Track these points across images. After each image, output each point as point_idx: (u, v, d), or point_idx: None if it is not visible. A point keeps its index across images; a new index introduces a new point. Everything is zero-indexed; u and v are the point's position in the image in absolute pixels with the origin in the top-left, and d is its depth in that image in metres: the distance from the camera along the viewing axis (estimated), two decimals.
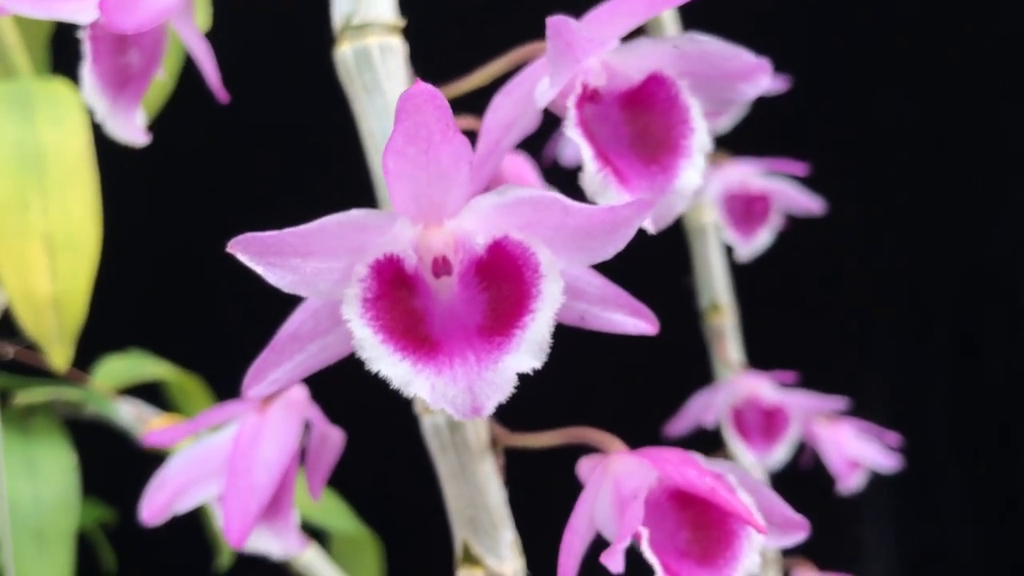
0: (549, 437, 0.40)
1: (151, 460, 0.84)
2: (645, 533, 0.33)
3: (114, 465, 0.97)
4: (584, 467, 0.38)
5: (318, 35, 0.49)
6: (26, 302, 0.71)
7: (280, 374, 0.33)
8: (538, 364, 0.30)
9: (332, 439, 0.48)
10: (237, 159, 1.18)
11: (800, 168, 0.80)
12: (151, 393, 0.97)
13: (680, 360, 0.94)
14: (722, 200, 0.80)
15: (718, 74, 0.38)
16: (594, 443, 0.38)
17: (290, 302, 0.40)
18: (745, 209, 0.80)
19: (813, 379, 0.91)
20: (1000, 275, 1.30)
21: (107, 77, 0.44)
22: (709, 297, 0.89)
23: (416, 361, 0.30)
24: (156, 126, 0.53)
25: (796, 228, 0.88)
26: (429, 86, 0.28)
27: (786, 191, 0.82)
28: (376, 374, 0.30)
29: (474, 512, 0.43)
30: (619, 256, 0.37)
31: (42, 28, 0.89)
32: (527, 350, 0.30)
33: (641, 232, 0.39)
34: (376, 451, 0.92)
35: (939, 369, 1.30)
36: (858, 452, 0.90)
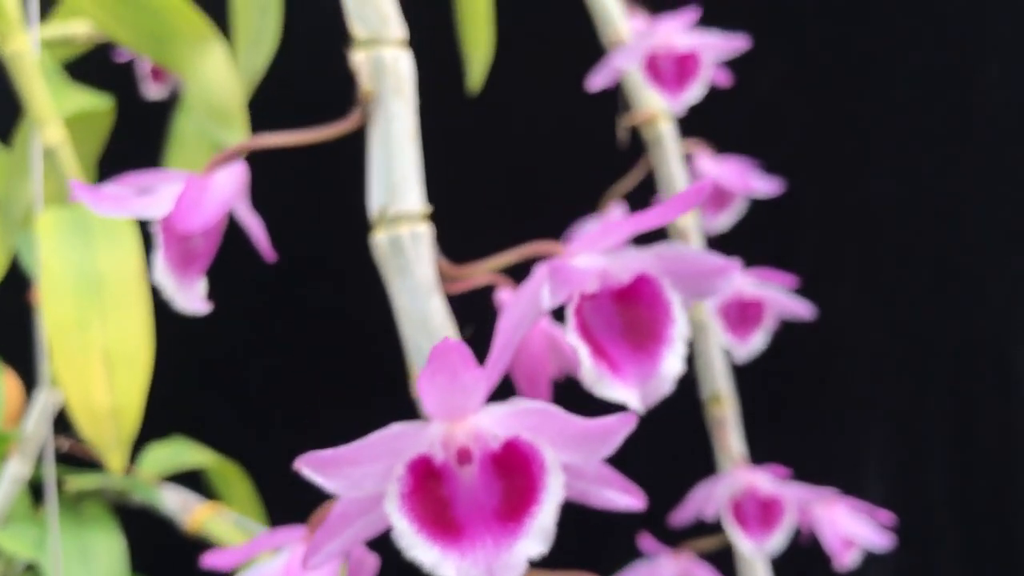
0: None
1: (195, 545, 0.91)
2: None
3: (160, 547, 1.04)
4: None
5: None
6: (86, 413, 0.79)
7: (333, 547, 0.40)
8: (544, 549, 0.37)
9: (368, 564, 0.55)
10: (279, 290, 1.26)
11: (791, 280, 0.87)
12: (193, 479, 1.04)
13: (685, 448, 1.01)
14: (720, 306, 0.87)
15: (694, 272, 0.45)
16: None
17: (327, 396, 0.46)
18: (740, 314, 0.87)
19: (813, 463, 0.97)
20: (995, 342, 1.36)
21: (175, 261, 0.52)
22: (710, 388, 0.96)
23: (445, 547, 0.37)
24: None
25: (793, 323, 0.95)
26: (455, 342, 0.35)
27: (778, 298, 0.89)
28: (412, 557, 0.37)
29: None
30: None
31: (92, 150, 0.97)
32: (536, 536, 0.37)
33: None
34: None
35: (936, 445, 1.36)
36: (852, 531, 0.96)
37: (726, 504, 0.87)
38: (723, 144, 1.04)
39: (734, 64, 0.94)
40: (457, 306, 0.53)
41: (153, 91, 1.19)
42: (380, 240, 0.51)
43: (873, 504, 0.97)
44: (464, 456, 0.39)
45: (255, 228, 0.57)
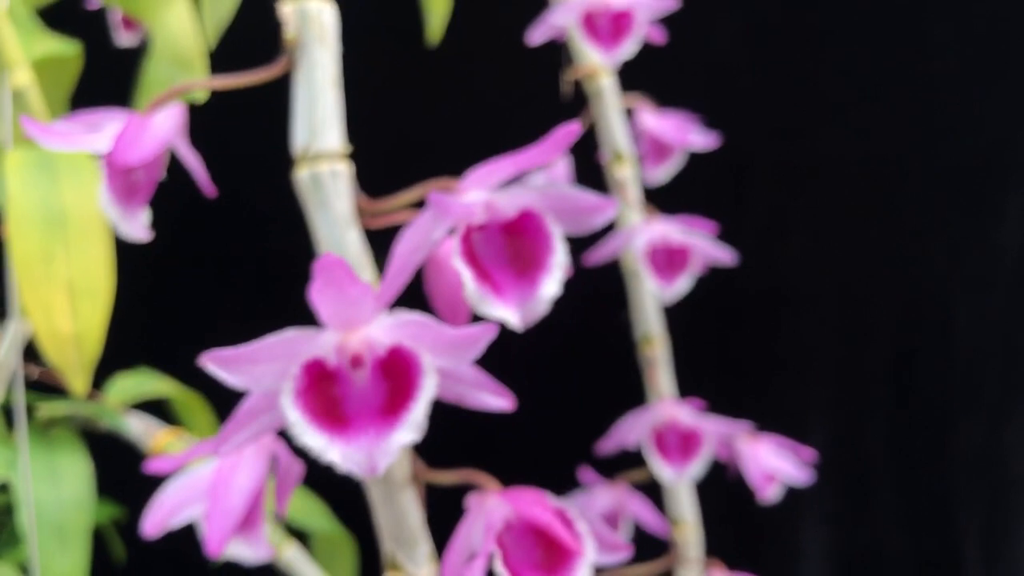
0: (450, 476, 0.53)
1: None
2: (498, 552, 0.46)
3: (124, 470, 1.10)
4: (470, 501, 0.51)
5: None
6: (51, 339, 0.85)
7: (241, 437, 0.46)
8: (417, 438, 0.43)
9: (294, 469, 0.62)
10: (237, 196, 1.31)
11: (710, 227, 0.93)
12: (157, 407, 1.10)
13: (619, 386, 1.07)
14: (647, 252, 0.93)
15: (574, 209, 0.51)
16: (478, 483, 0.51)
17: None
18: (667, 260, 0.93)
19: (760, 401, 1.03)
20: (935, 300, 1.42)
21: (118, 192, 0.57)
22: (643, 330, 1.02)
23: (332, 436, 0.43)
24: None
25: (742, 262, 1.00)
26: (336, 258, 0.41)
27: (703, 245, 0.94)
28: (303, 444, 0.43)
29: (398, 531, 0.56)
30: (568, 296, 0.51)
31: (62, 93, 1.02)
32: (409, 428, 0.43)
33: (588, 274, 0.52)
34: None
35: (878, 389, 1.42)
36: (774, 466, 1.03)
37: (648, 435, 0.93)
38: (670, 100, 1.09)
39: (686, 21, 0.98)
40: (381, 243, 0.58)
41: (124, 39, 1.23)
42: (302, 176, 0.56)
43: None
44: (357, 361, 0.45)
45: (195, 165, 0.62)
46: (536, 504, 0.47)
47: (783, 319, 1.44)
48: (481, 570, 0.46)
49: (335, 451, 0.43)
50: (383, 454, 0.43)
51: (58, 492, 0.98)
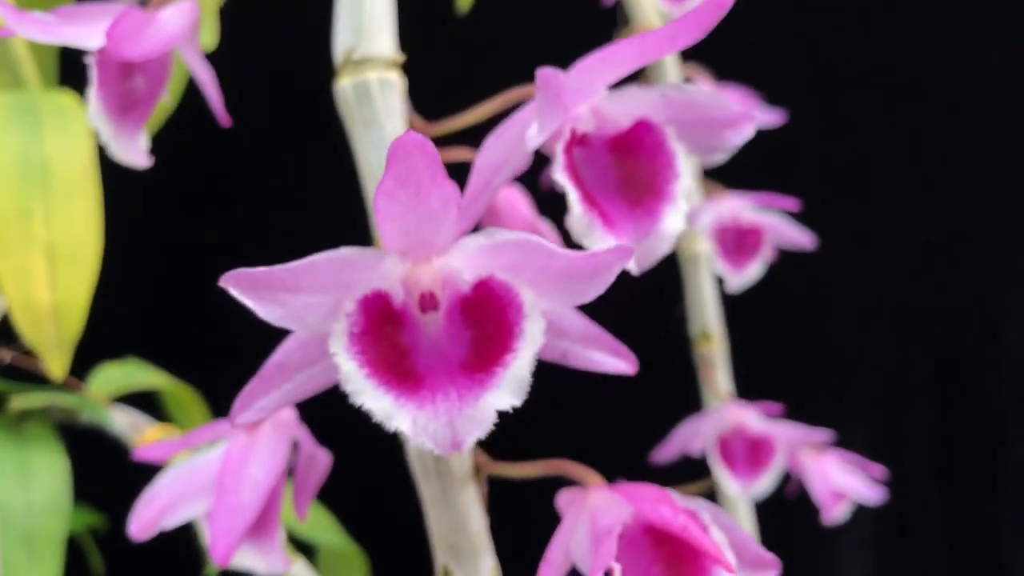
0: (530, 468, 0.41)
1: (142, 468, 0.85)
2: (617, 569, 0.34)
3: (106, 472, 0.98)
4: (563, 500, 0.39)
5: (322, 62, 0.51)
6: (26, 311, 0.72)
7: (268, 402, 0.34)
8: (518, 402, 0.31)
9: (319, 460, 0.49)
10: (238, 174, 1.20)
11: (792, 203, 0.81)
12: (146, 402, 0.98)
13: (669, 387, 0.95)
14: (714, 232, 0.82)
15: (704, 122, 0.39)
16: (573, 476, 0.39)
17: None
18: (737, 241, 0.82)
19: (798, 409, 0.92)
20: (985, 308, 1.32)
21: (112, 102, 0.45)
22: (700, 325, 0.90)
23: (399, 395, 0.31)
24: (158, 141, 0.54)
25: (785, 261, 0.90)
26: (419, 135, 0.29)
27: (777, 225, 0.83)
28: (360, 407, 0.31)
29: (455, 538, 0.44)
30: (611, 286, 0.39)
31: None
32: (508, 388, 0.31)
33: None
34: (364, 466, 0.93)
35: (923, 400, 1.32)
36: (843, 483, 0.91)
37: (713, 442, 0.81)
38: (729, 75, 0.98)
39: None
40: None
41: None
42: (344, 87, 0.44)
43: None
44: (428, 303, 0.33)
45: (207, 82, 0.50)
46: (661, 503, 0.35)
47: (823, 326, 1.33)
48: None
49: (404, 416, 0.31)
50: (470, 423, 0.31)
51: (28, 495, 0.85)
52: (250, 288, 0.30)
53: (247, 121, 0.63)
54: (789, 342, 1.31)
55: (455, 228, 0.33)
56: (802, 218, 0.89)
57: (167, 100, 0.51)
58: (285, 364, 0.34)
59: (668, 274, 0.92)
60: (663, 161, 0.39)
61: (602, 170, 0.39)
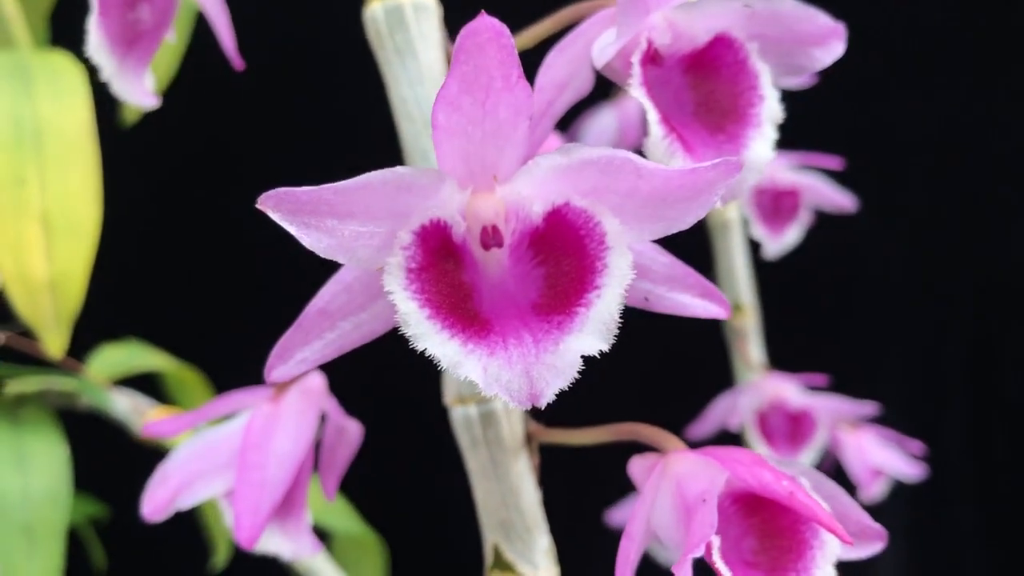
0: (593, 434, 0.37)
1: (146, 454, 0.81)
2: (716, 542, 0.29)
3: (107, 459, 0.94)
4: (638, 468, 0.34)
5: None
6: (21, 284, 0.68)
7: (308, 353, 0.29)
8: (605, 346, 0.27)
9: (350, 432, 0.45)
10: (247, 141, 1.14)
11: (834, 162, 0.76)
12: (148, 385, 0.93)
13: (700, 360, 0.91)
14: (750, 194, 0.77)
15: (790, 38, 0.35)
16: (648, 441, 0.34)
17: (299, 295, 0.36)
18: (774, 204, 0.77)
19: (830, 384, 0.88)
20: (1020, 283, 1.27)
21: (115, 33, 0.41)
22: (731, 296, 0.85)
23: (467, 340, 0.26)
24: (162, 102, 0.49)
25: (816, 231, 0.85)
26: (496, 21, 0.24)
27: (817, 186, 0.78)
28: (422, 353, 0.26)
29: (506, 514, 0.39)
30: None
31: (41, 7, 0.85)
32: (592, 330, 0.27)
33: None
34: (380, 450, 0.89)
35: (956, 378, 1.27)
36: (881, 460, 0.87)
37: (751, 417, 0.77)
38: None
39: None
40: None
41: None
42: (375, 12, 0.40)
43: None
44: (491, 238, 0.29)
45: (219, 18, 0.46)
46: (760, 467, 0.30)
47: (853, 311, 1.28)
48: (690, 572, 0.29)
49: (473, 364, 0.26)
50: (550, 371, 0.26)
51: (26, 482, 0.80)
52: (293, 212, 0.25)
53: (261, 69, 0.58)
54: (822, 314, 1.26)
55: (523, 148, 0.28)
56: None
57: (173, 40, 0.46)
58: (327, 310, 0.29)
59: (697, 242, 0.87)
60: (746, 82, 0.34)
61: (677, 92, 0.35)
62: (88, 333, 0.79)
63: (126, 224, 0.86)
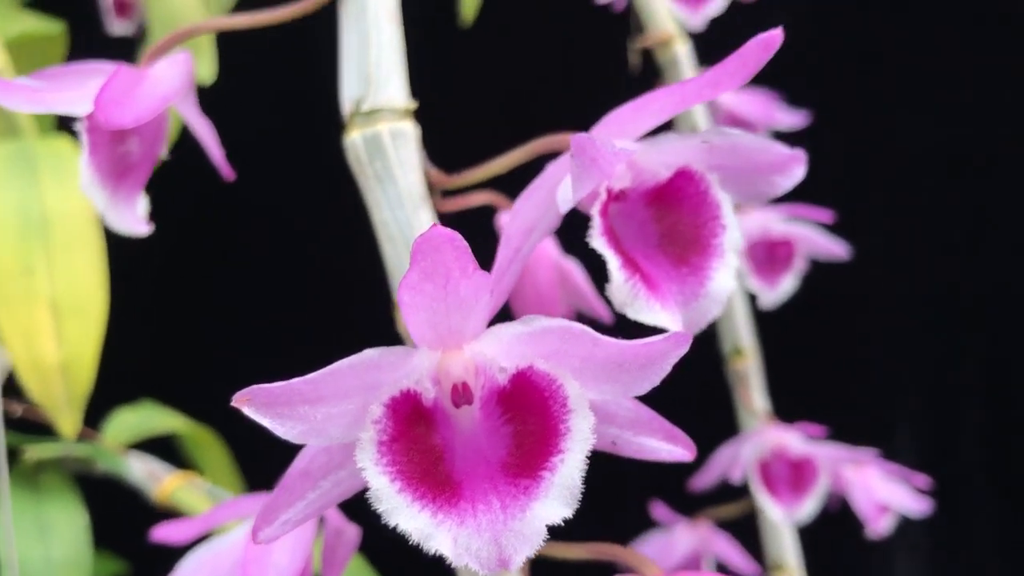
0: (578, 550, 0.38)
1: (163, 515, 0.83)
2: None
3: (126, 519, 0.95)
4: None
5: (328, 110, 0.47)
6: (32, 369, 0.70)
7: (292, 514, 0.31)
8: (568, 512, 0.28)
9: (348, 535, 0.46)
10: (251, 212, 1.16)
11: (825, 215, 0.77)
12: (164, 446, 0.95)
13: (703, 407, 0.92)
14: (745, 246, 0.78)
15: (750, 167, 0.36)
16: (627, 564, 0.36)
17: (309, 354, 0.38)
18: (768, 255, 0.78)
19: (838, 421, 0.88)
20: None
21: (106, 169, 0.42)
22: (732, 341, 0.86)
23: (436, 511, 0.28)
24: (162, 185, 0.51)
25: (817, 271, 0.86)
26: (448, 230, 0.26)
27: (810, 236, 0.79)
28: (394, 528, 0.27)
29: None
30: None
31: None
32: (557, 496, 0.28)
33: None
34: None
35: (969, 406, 1.27)
36: (887, 496, 0.88)
37: (753, 466, 0.78)
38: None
39: None
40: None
41: (118, 27, 1.09)
42: (354, 141, 0.41)
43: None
44: (462, 395, 0.30)
45: (206, 135, 0.47)
46: None
47: (862, 337, 1.28)
48: None
49: (443, 536, 0.27)
50: (518, 539, 0.28)
51: (48, 550, 0.82)
52: (266, 405, 0.27)
53: (252, 166, 0.60)
54: (826, 351, 1.26)
55: (486, 314, 0.30)
56: (833, 228, 0.85)
57: (166, 156, 0.48)
58: (308, 471, 0.31)
59: None
60: (707, 212, 0.35)
61: (641, 225, 0.36)
62: (101, 397, 0.80)
63: (133, 291, 0.87)
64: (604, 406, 0.31)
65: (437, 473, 0.29)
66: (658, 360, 0.28)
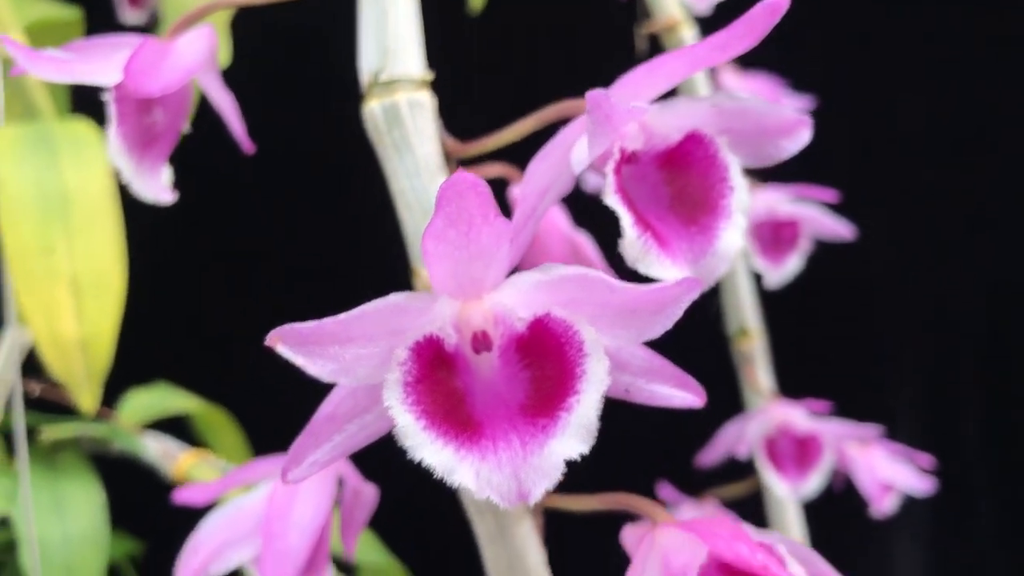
0: (591, 501, 0.39)
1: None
2: None
3: (142, 498, 0.97)
4: (630, 537, 0.37)
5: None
6: (53, 345, 0.71)
7: (319, 455, 0.32)
8: (585, 449, 0.29)
9: (366, 495, 0.48)
10: (264, 192, 1.18)
11: (830, 195, 0.79)
12: (178, 425, 0.97)
13: (709, 386, 0.93)
14: (750, 227, 0.79)
15: (758, 131, 0.37)
16: (639, 511, 0.37)
17: None
18: (774, 235, 0.79)
19: (843, 402, 0.89)
20: None
21: (132, 138, 0.44)
22: (737, 322, 0.88)
23: (459, 447, 0.29)
24: (182, 161, 0.52)
25: (822, 251, 0.87)
26: (471, 175, 0.27)
27: (815, 217, 0.81)
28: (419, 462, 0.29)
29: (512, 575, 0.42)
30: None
31: None
32: (573, 434, 0.29)
33: None
34: (406, 482, 0.91)
35: (973, 386, 1.28)
36: (891, 475, 0.89)
37: (759, 443, 0.79)
38: (746, 64, 0.95)
39: None
40: None
41: (131, 16, 1.11)
42: (373, 110, 0.43)
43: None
44: (481, 343, 0.31)
45: (228, 109, 0.49)
46: (737, 540, 0.33)
47: (867, 318, 1.29)
48: None
49: (466, 469, 0.29)
50: (536, 473, 0.29)
51: (65, 527, 0.84)
52: (298, 344, 0.28)
53: (274, 133, 0.61)
54: (831, 332, 1.27)
55: (506, 264, 0.31)
56: (839, 209, 0.87)
57: (188, 130, 0.50)
58: (335, 415, 0.32)
59: None
60: (716, 174, 0.37)
61: (653, 187, 0.37)
62: (117, 377, 0.82)
63: (151, 270, 0.89)
64: (618, 354, 0.33)
65: (459, 413, 0.30)
66: (670, 304, 0.30)
